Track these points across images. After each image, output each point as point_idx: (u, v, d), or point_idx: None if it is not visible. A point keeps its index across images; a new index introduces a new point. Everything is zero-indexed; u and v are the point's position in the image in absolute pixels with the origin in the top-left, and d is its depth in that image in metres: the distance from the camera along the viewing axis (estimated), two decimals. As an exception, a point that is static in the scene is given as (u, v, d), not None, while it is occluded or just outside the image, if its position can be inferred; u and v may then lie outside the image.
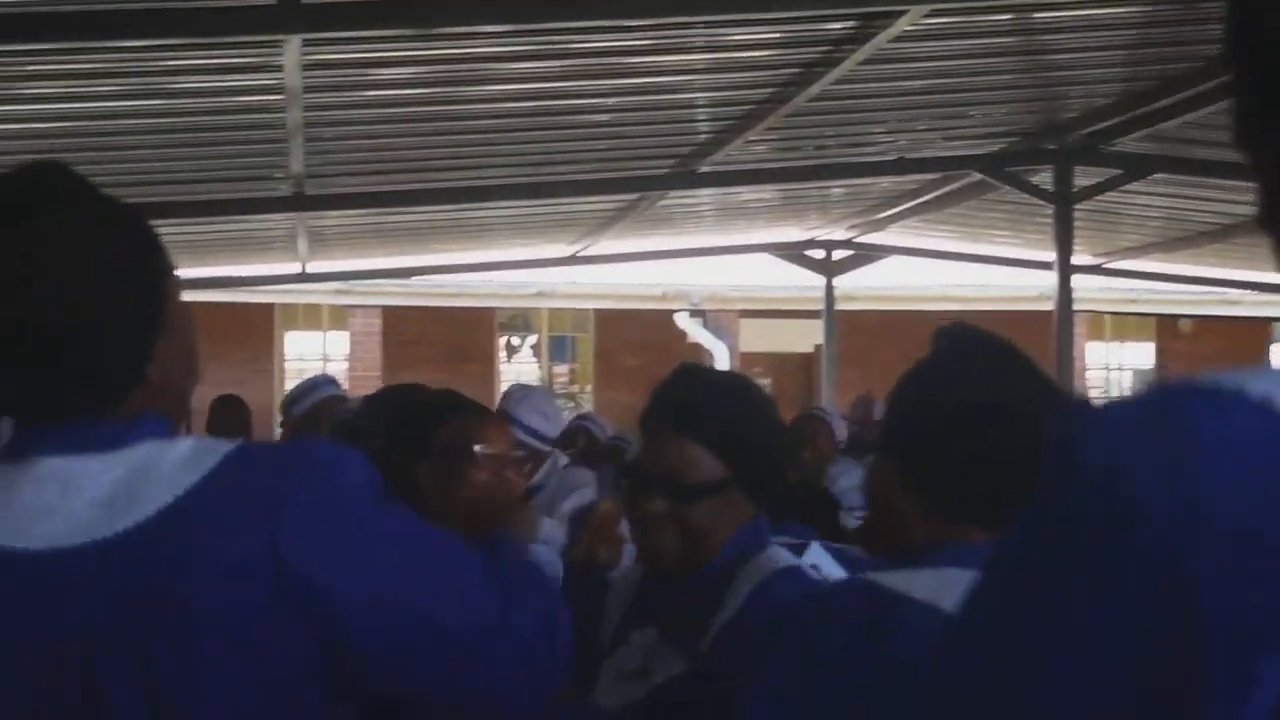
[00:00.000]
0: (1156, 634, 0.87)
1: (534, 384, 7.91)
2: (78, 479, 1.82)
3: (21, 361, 1.82)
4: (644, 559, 2.93)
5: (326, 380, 7.16)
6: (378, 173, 10.05)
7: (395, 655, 1.85)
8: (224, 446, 1.86)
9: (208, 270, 16.07)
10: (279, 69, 6.90)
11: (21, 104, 7.41)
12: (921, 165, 11.01)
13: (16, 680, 1.78)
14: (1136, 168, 10.62)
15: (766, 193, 12.50)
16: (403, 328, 21.30)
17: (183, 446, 1.86)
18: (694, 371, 3.07)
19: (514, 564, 2.13)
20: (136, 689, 1.75)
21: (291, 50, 6.50)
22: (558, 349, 23.36)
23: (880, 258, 15.81)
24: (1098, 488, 0.92)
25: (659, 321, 21.11)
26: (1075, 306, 11.42)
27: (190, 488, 1.80)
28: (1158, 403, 0.93)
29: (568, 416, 9.48)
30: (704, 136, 9.71)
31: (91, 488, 1.82)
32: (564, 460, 7.33)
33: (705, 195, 12.35)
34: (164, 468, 1.82)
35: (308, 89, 7.33)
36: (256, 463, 1.86)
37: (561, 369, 23.37)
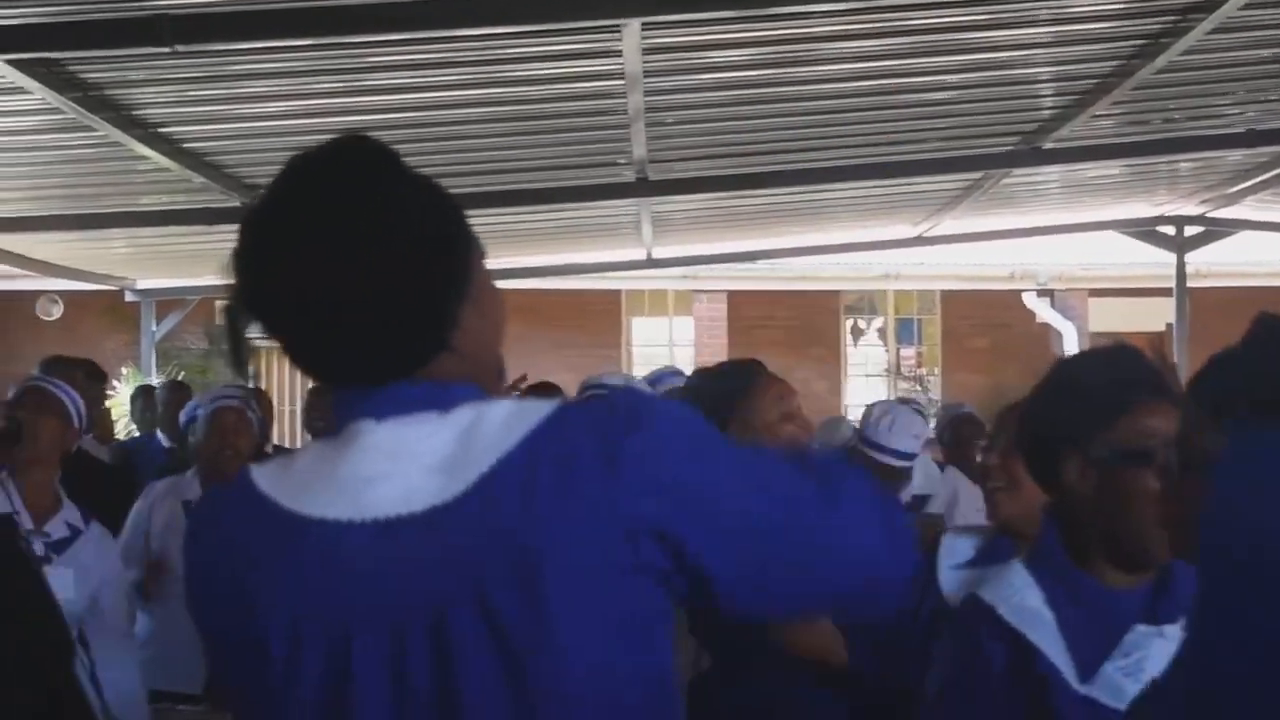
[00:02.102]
0: None
1: (891, 400, 7.75)
2: (407, 444, 1.88)
3: (330, 325, 1.90)
4: (1174, 548, 2.62)
5: (672, 372, 7.14)
6: (719, 156, 10.09)
7: (755, 575, 1.86)
8: (545, 405, 1.89)
9: (556, 258, 16.35)
10: (619, 54, 6.98)
11: (369, 95, 7.62)
12: (1273, 137, 10.64)
13: (361, 650, 1.83)
14: None
15: (1113, 169, 12.23)
16: (748, 312, 21.37)
17: (504, 405, 1.90)
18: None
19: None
20: (489, 649, 1.79)
21: (631, 34, 6.56)
22: (905, 331, 23.18)
23: (1232, 233, 15.31)
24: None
25: (1006, 302, 20.83)
26: None
27: (519, 443, 1.84)
28: None
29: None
30: (1048, 112, 9.55)
31: (423, 453, 1.86)
32: (932, 464, 7.24)
33: (1050, 172, 12.15)
34: (489, 428, 1.86)
35: (648, 73, 7.39)
36: (584, 415, 1.88)
37: (908, 351, 23.18)
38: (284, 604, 1.86)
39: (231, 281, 1.96)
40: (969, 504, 6.78)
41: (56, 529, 5.42)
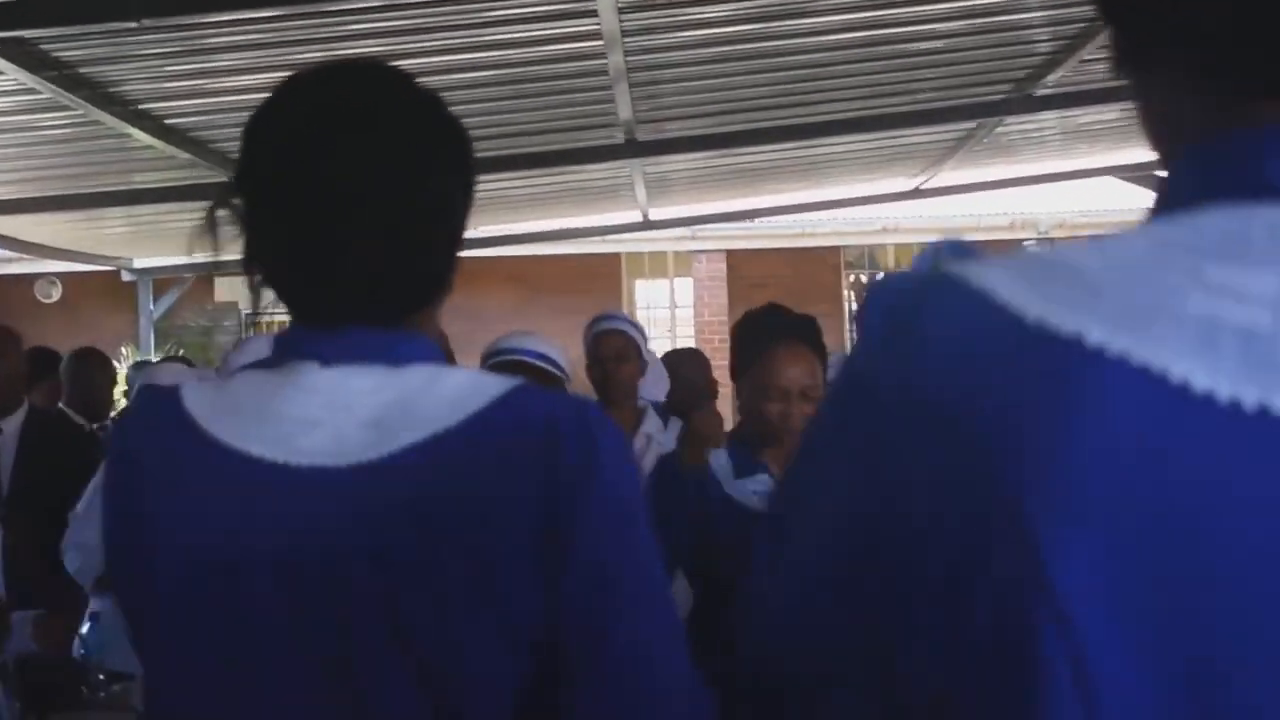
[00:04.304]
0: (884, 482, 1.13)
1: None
2: (348, 395, 1.77)
3: (336, 254, 1.78)
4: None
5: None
6: (707, 115, 10.00)
7: (591, 655, 1.72)
8: (505, 382, 1.78)
9: (552, 223, 16.28)
10: (594, 14, 6.90)
11: (350, 64, 7.50)
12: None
13: (264, 596, 1.74)
14: None
15: (1109, 114, 12.11)
16: (748, 271, 21.30)
17: (459, 375, 1.80)
18: None
19: None
20: (380, 612, 1.70)
21: (604, -10, 6.50)
22: (907, 285, 23.10)
23: (1231, 174, 15.20)
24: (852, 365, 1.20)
25: (1009, 251, 20.76)
26: None
27: (465, 419, 1.73)
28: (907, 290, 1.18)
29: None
30: (1039, 59, 9.45)
31: (362, 407, 1.76)
32: None
33: (1046, 119, 12.03)
34: (440, 394, 1.76)
35: (626, 32, 7.31)
36: (538, 404, 1.77)
37: (911, 305, 23.12)
38: (182, 534, 1.77)
39: (243, 160, 1.81)
40: None
41: None
